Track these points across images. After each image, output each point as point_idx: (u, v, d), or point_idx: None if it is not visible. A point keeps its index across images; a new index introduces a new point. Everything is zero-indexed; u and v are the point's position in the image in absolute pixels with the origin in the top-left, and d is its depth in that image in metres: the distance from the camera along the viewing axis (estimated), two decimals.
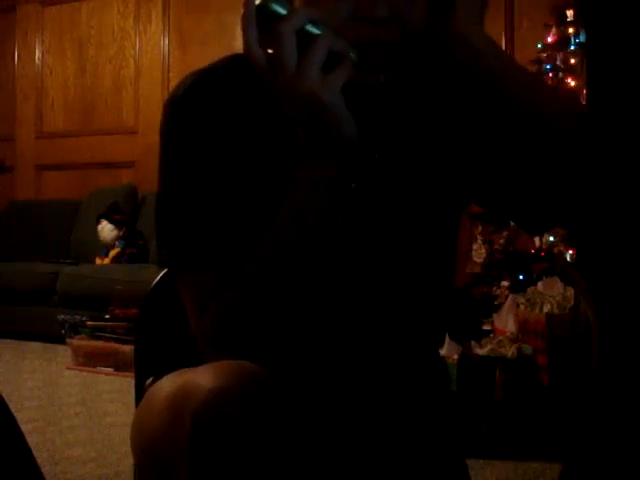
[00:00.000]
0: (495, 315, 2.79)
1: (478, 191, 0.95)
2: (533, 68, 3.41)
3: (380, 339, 0.92)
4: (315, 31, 0.71)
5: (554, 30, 3.32)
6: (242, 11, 0.72)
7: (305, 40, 0.70)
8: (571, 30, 3.18)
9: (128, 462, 2.27)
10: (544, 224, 1.02)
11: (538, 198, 0.90)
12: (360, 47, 0.75)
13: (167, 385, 0.79)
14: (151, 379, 1.04)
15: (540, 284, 2.79)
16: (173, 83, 3.40)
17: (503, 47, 4.31)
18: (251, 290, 0.80)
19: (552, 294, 2.64)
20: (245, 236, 0.83)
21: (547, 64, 3.31)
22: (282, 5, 0.70)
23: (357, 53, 0.73)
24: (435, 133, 0.93)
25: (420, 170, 0.92)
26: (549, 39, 3.33)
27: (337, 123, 0.71)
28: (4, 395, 1.06)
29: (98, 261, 4.76)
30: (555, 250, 3.06)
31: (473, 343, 2.58)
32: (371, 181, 0.85)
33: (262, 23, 0.71)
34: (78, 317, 4.04)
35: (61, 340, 4.06)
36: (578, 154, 0.87)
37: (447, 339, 2.50)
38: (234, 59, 0.90)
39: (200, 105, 0.85)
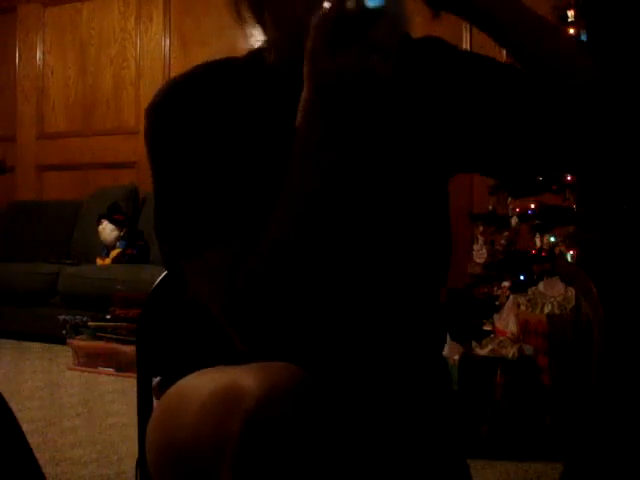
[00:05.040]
0: (496, 315, 2.79)
1: (465, 155, 0.97)
2: None
3: (379, 329, 0.93)
4: (375, 4, 0.71)
5: None
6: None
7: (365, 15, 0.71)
8: (572, 31, 3.17)
9: (129, 462, 2.27)
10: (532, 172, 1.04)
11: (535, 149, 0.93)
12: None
13: (207, 384, 0.78)
14: (158, 380, 1.04)
15: (541, 284, 2.79)
16: None
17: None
18: (278, 250, 0.80)
19: (553, 294, 2.64)
20: (247, 206, 0.84)
21: None
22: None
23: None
24: (422, 101, 0.95)
25: (404, 138, 0.94)
26: None
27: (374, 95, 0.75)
28: (5, 396, 1.06)
29: (99, 261, 4.76)
30: (556, 251, 3.06)
31: (474, 343, 2.58)
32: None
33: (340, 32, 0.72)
34: (79, 317, 4.04)
35: (62, 340, 4.06)
36: (594, 105, 0.91)
37: (448, 339, 2.50)
38: (211, 65, 0.93)
39: (181, 103, 0.88)
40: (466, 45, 4.36)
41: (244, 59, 0.96)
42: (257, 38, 0.92)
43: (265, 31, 0.91)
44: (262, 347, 0.84)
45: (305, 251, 0.80)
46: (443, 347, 1.07)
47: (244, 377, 0.74)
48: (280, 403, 0.71)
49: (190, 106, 0.87)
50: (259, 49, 0.94)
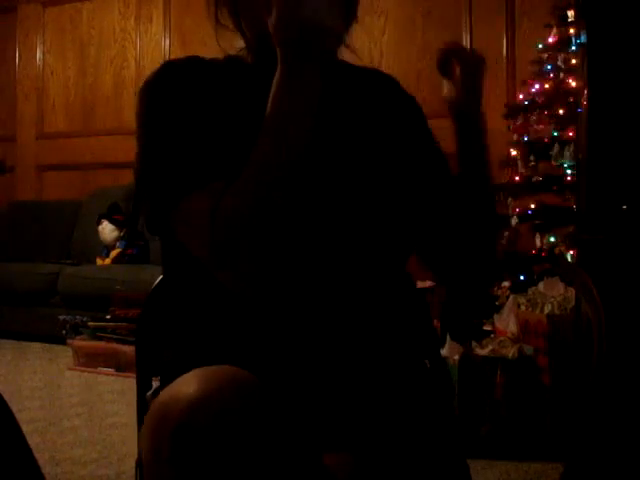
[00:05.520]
0: (496, 315, 2.79)
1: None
2: (534, 68, 3.41)
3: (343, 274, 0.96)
4: None
5: (555, 30, 3.32)
6: None
7: None
8: (572, 30, 3.18)
9: (129, 463, 2.27)
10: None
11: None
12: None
13: (153, 404, 0.80)
14: (153, 389, 1.04)
15: (541, 284, 2.79)
16: None
17: (504, 47, 4.31)
18: (254, 187, 0.84)
19: (553, 295, 2.64)
20: (222, 159, 0.90)
21: (548, 64, 3.31)
22: None
23: None
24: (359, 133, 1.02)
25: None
26: (550, 39, 3.34)
27: (326, 42, 0.83)
28: (5, 396, 1.06)
29: (99, 261, 4.76)
30: (556, 251, 3.06)
31: (474, 343, 2.58)
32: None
33: None
34: (79, 318, 4.04)
35: (62, 341, 4.06)
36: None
37: (448, 339, 2.50)
38: (200, 57, 1.06)
39: (171, 77, 0.99)
40: (466, 44, 4.36)
41: (225, 59, 1.07)
42: (237, 44, 1.05)
43: (242, 36, 1.03)
44: (249, 285, 0.88)
45: (273, 201, 0.84)
46: (441, 346, 1.07)
47: (183, 386, 0.76)
48: (214, 408, 0.72)
49: (178, 79, 0.98)
50: (237, 54, 1.06)
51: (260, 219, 0.84)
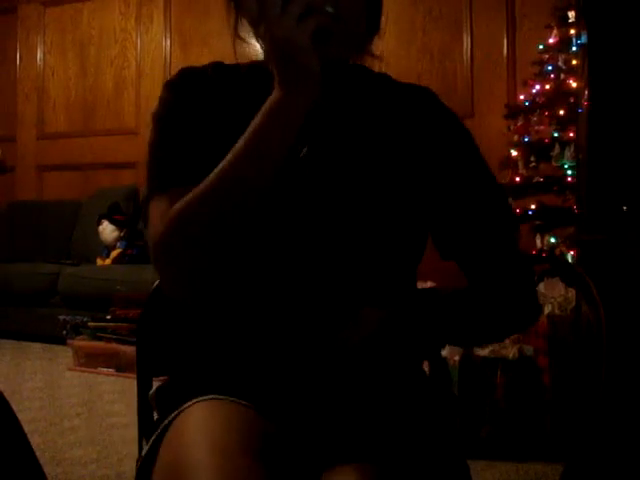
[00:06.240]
0: None
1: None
2: (535, 69, 3.41)
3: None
4: None
5: (555, 31, 3.32)
6: None
7: None
8: (572, 31, 3.18)
9: (129, 463, 2.27)
10: None
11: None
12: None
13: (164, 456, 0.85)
14: (155, 388, 1.04)
15: (541, 285, 2.78)
16: None
17: (504, 48, 4.31)
18: (206, 198, 0.86)
19: (553, 295, 2.64)
20: (205, 165, 0.90)
21: (549, 65, 3.32)
22: None
23: (334, 6, 0.83)
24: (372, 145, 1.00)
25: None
26: (550, 40, 3.34)
27: (305, 61, 0.81)
28: (5, 396, 1.06)
29: (99, 262, 4.76)
30: (557, 251, 3.06)
31: None
32: (319, 151, 0.97)
33: None
34: (79, 318, 4.04)
35: (62, 341, 4.06)
36: None
37: None
38: (221, 64, 1.05)
39: (189, 82, 1.01)
40: (466, 45, 4.36)
41: (248, 65, 1.06)
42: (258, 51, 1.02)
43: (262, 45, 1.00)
44: (181, 291, 0.91)
45: (215, 219, 0.86)
46: (441, 349, 1.07)
47: (197, 450, 0.80)
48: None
49: (195, 85, 1.00)
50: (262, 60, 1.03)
51: (198, 238, 0.85)
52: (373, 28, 1.00)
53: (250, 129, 0.85)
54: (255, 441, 0.84)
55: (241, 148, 0.85)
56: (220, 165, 0.86)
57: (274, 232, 0.94)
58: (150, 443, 0.92)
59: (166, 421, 0.91)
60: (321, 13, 0.81)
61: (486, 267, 1.03)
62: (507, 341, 2.54)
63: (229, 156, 0.85)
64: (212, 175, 0.86)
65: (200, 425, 0.85)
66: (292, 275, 0.95)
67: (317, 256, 0.95)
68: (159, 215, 0.90)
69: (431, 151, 1.02)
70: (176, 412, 0.90)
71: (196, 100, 0.99)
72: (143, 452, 0.94)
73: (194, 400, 0.90)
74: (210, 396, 0.90)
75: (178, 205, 0.87)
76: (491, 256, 1.03)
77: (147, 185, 0.96)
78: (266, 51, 0.86)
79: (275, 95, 0.84)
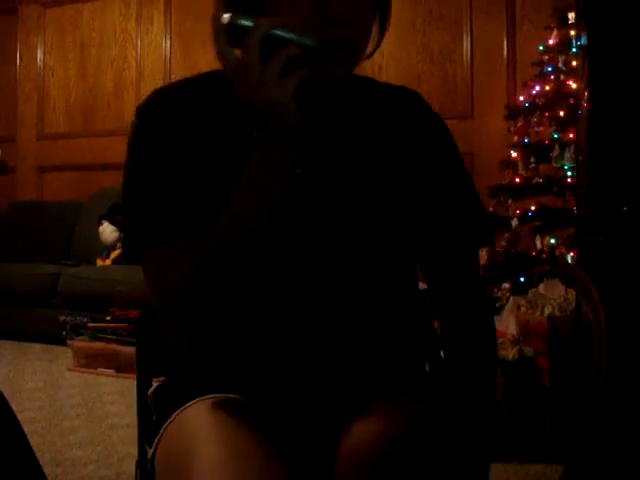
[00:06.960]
0: (496, 317, 2.79)
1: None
2: (535, 70, 3.42)
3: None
4: (281, 34, 0.79)
5: (555, 32, 3.33)
6: (211, 26, 0.84)
7: (274, 43, 0.79)
8: (572, 32, 3.18)
9: (129, 463, 2.27)
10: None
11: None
12: (326, 45, 0.84)
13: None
14: (153, 388, 1.04)
15: (541, 286, 2.79)
16: None
17: (504, 49, 4.31)
18: (211, 257, 0.84)
19: (553, 296, 2.64)
20: (200, 211, 0.89)
21: (548, 66, 3.32)
22: (247, 18, 0.81)
23: (316, 40, 0.80)
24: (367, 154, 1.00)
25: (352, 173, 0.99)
26: (550, 41, 3.34)
27: (288, 120, 0.80)
28: (5, 396, 1.06)
29: (99, 262, 4.76)
30: (557, 252, 3.06)
31: None
32: (314, 170, 0.95)
33: (233, 36, 0.81)
34: (79, 318, 4.04)
35: (62, 341, 4.06)
36: None
37: None
38: (195, 79, 1.00)
39: (162, 110, 0.95)
40: (466, 46, 4.36)
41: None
42: None
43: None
44: (192, 351, 0.90)
45: (226, 274, 0.84)
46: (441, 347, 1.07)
47: (204, 442, 0.80)
48: None
49: (169, 112, 0.94)
50: None
51: (206, 293, 0.84)
52: (384, 29, 1.03)
53: (240, 185, 0.83)
54: (263, 433, 0.84)
55: (233, 205, 0.83)
56: (215, 228, 0.84)
57: (275, 248, 0.93)
58: (155, 445, 0.92)
59: (168, 421, 0.91)
60: (302, 62, 0.78)
61: (443, 291, 1.04)
62: (507, 342, 2.54)
63: (224, 213, 0.83)
64: (210, 236, 0.84)
65: (206, 420, 0.85)
66: (292, 279, 0.95)
67: (317, 267, 0.95)
68: (160, 274, 0.87)
69: (413, 155, 1.01)
70: (178, 411, 0.90)
71: (168, 125, 0.93)
72: (149, 456, 0.94)
73: (196, 399, 0.90)
74: (212, 395, 0.91)
75: (180, 273, 0.85)
76: (450, 280, 1.03)
77: (131, 232, 0.92)
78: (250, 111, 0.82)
79: (256, 151, 0.82)
